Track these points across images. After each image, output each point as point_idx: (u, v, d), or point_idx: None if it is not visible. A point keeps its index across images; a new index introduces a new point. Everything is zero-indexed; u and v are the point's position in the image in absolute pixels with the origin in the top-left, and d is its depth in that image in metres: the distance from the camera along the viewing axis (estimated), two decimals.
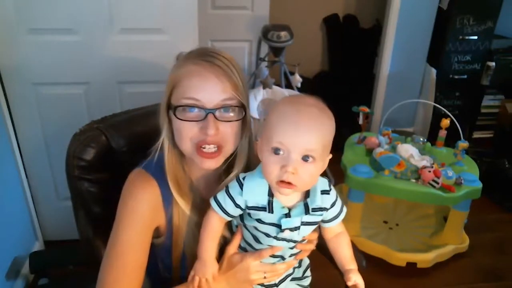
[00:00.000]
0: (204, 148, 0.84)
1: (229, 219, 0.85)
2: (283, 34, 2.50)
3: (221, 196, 0.83)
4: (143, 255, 0.88)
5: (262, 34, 2.57)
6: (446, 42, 2.92)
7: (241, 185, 0.82)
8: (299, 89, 2.72)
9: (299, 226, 0.82)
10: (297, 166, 0.75)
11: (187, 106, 0.82)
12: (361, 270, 0.91)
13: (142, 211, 0.87)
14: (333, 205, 0.87)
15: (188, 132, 0.83)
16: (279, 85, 2.70)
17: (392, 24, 2.94)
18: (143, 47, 1.76)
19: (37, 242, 2.00)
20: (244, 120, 0.87)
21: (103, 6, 1.68)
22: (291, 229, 0.82)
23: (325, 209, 0.86)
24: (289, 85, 2.74)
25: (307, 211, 0.82)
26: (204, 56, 0.83)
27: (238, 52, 2.83)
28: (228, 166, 0.91)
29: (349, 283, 0.87)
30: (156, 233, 0.92)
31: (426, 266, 2.06)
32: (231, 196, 0.82)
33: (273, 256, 0.86)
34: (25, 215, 1.92)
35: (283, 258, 0.88)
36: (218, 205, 0.83)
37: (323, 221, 0.89)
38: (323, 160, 0.79)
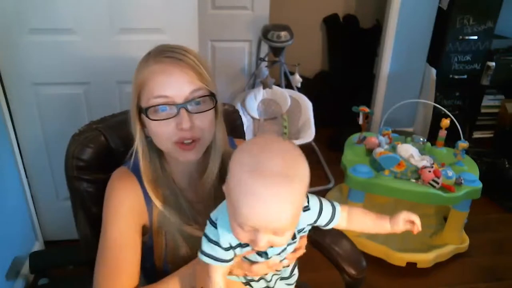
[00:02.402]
0: (181, 143, 0.84)
1: (229, 264, 0.76)
2: (283, 34, 2.50)
3: (207, 246, 0.75)
4: (134, 249, 0.88)
5: (262, 34, 2.57)
6: (446, 42, 2.92)
7: (216, 228, 0.74)
8: (299, 89, 2.73)
9: (285, 248, 0.79)
10: (269, 240, 0.68)
11: (158, 105, 0.82)
12: (361, 270, 0.90)
13: (125, 207, 0.88)
14: (320, 213, 0.81)
15: (164, 131, 0.83)
16: (279, 85, 2.70)
17: (392, 24, 2.94)
18: (143, 47, 1.74)
19: (37, 242, 2.00)
20: (216, 107, 0.87)
21: (103, 6, 1.68)
22: (279, 253, 0.79)
23: (310, 224, 0.82)
24: (289, 85, 2.75)
25: (293, 237, 0.78)
26: (164, 53, 0.84)
27: (238, 52, 2.83)
28: (207, 158, 0.92)
29: (406, 225, 0.84)
30: (144, 230, 0.92)
31: (426, 266, 2.06)
32: (215, 242, 0.74)
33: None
34: (25, 215, 1.92)
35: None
36: (210, 257, 0.74)
37: (322, 226, 0.85)
38: (298, 218, 0.73)
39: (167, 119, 0.82)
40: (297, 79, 2.72)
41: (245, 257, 0.80)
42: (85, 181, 1.02)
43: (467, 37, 2.92)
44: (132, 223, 0.88)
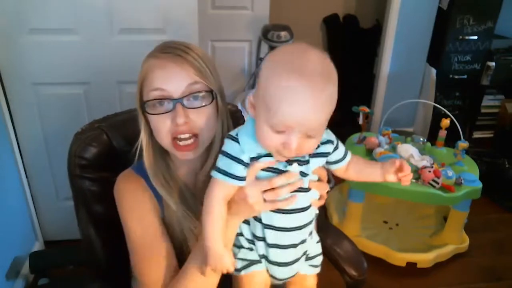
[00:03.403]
0: (180, 140, 0.84)
1: (242, 183, 0.74)
2: (283, 34, 2.50)
3: (223, 162, 0.75)
4: (164, 242, 0.88)
5: (262, 34, 2.57)
6: (446, 42, 2.92)
7: (238, 142, 0.74)
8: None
9: (308, 160, 0.76)
10: (300, 142, 0.68)
11: (155, 99, 0.83)
12: (362, 271, 0.89)
13: (137, 205, 0.89)
14: (337, 140, 0.82)
15: (162, 126, 0.84)
16: None
17: (392, 24, 2.94)
18: (143, 47, 1.74)
19: (37, 242, 2.00)
20: (217, 105, 0.88)
21: (103, 6, 1.68)
22: (300, 162, 0.75)
23: (331, 141, 0.80)
24: None
25: (317, 148, 0.77)
26: (163, 49, 0.86)
27: (238, 52, 2.83)
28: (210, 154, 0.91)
29: (396, 174, 0.81)
30: None
31: (426, 266, 2.06)
32: (233, 156, 0.74)
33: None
34: (25, 215, 1.92)
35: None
36: (224, 174, 0.74)
37: (331, 163, 0.83)
38: (326, 123, 0.73)
39: (163, 113, 0.83)
40: None
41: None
42: (87, 179, 1.02)
43: (467, 37, 2.92)
44: (151, 219, 0.89)
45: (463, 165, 2.16)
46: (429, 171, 1.95)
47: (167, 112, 0.83)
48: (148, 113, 0.85)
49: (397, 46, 3.01)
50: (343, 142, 2.51)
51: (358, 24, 3.78)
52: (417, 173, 2.01)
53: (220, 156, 0.76)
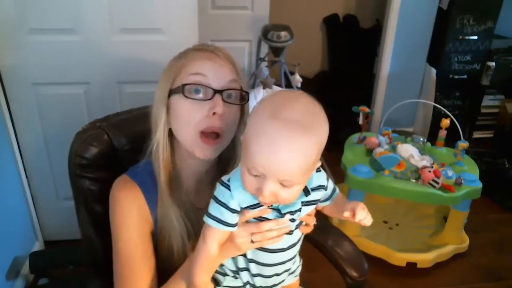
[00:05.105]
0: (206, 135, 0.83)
1: (234, 229, 0.74)
2: (283, 34, 2.50)
3: (214, 208, 0.73)
4: (148, 259, 0.88)
5: (262, 34, 2.57)
6: (446, 42, 2.93)
7: (229, 189, 0.73)
8: (299, 89, 2.73)
9: (300, 208, 0.76)
10: (275, 191, 0.67)
11: (194, 83, 0.81)
12: (363, 272, 0.89)
13: (132, 218, 0.87)
14: (327, 179, 0.81)
15: (195, 115, 0.81)
16: (279, 85, 2.70)
17: (392, 24, 2.94)
18: (143, 47, 1.76)
19: (37, 242, 2.00)
20: (243, 110, 0.87)
21: (103, 6, 1.68)
22: (292, 212, 0.75)
23: (323, 186, 0.79)
24: (289, 85, 2.74)
25: (306, 193, 0.76)
26: (205, 46, 0.86)
27: (238, 52, 2.83)
28: (222, 170, 0.89)
29: (346, 214, 0.79)
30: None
31: (426, 266, 2.06)
32: (223, 203, 0.72)
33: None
34: (25, 215, 1.92)
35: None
36: (216, 220, 0.73)
37: (323, 201, 0.84)
38: (307, 176, 0.72)
39: (201, 100, 0.81)
40: (297, 79, 2.72)
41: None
42: (87, 179, 1.02)
43: (467, 37, 2.92)
44: (142, 232, 0.88)
45: (463, 165, 2.16)
46: (429, 171, 1.95)
47: (205, 100, 0.81)
48: (186, 97, 0.81)
49: (397, 46, 3.01)
50: (343, 142, 2.52)
51: (358, 24, 3.78)
52: (417, 173, 2.01)
53: (211, 201, 0.74)
